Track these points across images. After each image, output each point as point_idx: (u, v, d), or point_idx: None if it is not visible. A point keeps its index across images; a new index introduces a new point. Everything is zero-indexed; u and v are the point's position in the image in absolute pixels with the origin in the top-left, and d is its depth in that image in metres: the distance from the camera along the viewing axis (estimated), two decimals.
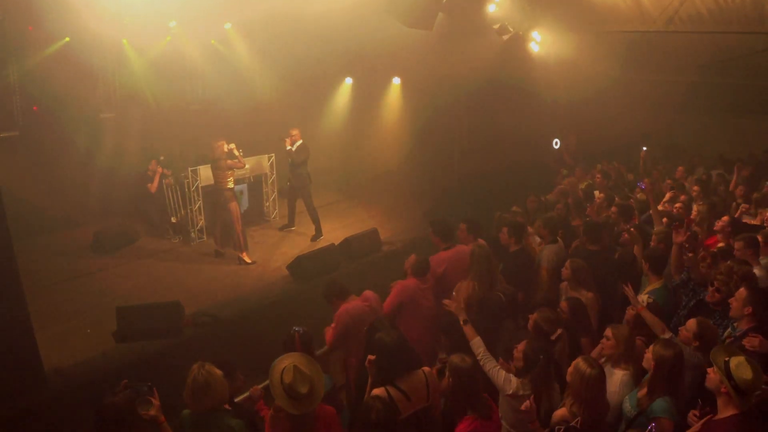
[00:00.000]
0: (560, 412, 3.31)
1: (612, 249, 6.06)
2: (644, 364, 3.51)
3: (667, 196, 7.12)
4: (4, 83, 8.75)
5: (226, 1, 9.07)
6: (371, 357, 3.73)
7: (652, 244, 5.48)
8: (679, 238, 4.92)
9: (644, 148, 10.54)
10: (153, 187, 9.37)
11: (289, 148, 9.21)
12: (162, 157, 9.55)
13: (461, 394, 3.41)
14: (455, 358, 3.47)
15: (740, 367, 2.90)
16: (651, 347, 3.46)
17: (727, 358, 2.96)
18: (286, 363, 3.23)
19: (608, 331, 3.85)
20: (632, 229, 5.89)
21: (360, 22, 8.99)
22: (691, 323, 3.73)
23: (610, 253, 5.89)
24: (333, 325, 4.76)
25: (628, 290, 4.33)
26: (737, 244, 5.05)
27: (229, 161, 8.09)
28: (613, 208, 6.74)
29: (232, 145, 8.16)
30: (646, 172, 9.90)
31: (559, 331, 4.03)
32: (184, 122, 10.74)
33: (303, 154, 9.21)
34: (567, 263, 5.05)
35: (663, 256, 5.03)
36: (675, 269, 4.99)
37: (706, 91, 10.73)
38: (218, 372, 3.25)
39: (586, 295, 4.80)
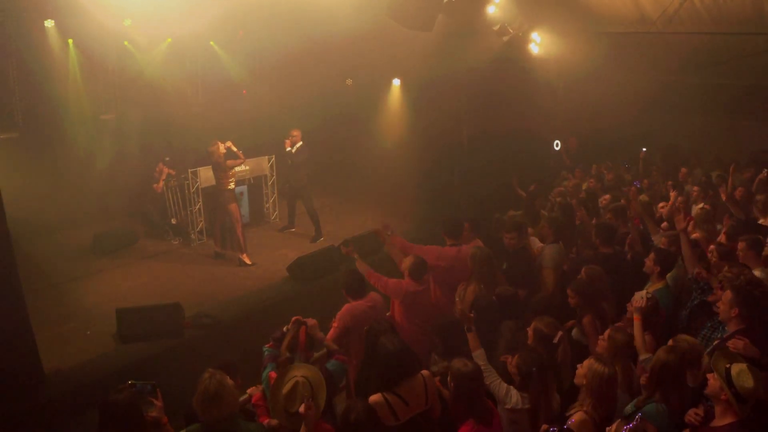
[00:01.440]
0: (578, 416, 3.28)
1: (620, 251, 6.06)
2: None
3: (672, 197, 7.08)
4: (4, 83, 8.75)
5: (226, 2, 9.08)
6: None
7: (662, 246, 5.44)
8: (681, 224, 4.91)
9: (643, 149, 10.54)
10: (159, 187, 9.37)
11: (288, 149, 9.21)
12: (167, 158, 9.55)
13: (463, 398, 3.40)
14: (457, 363, 3.45)
15: (741, 374, 2.87)
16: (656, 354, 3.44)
17: (728, 365, 2.92)
18: (296, 374, 3.19)
19: (607, 333, 3.86)
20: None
21: (360, 24, 8.99)
22: (670, 342, 3.68)
23: (624, 255, 5.89)
24: (334, 324, 4.75)
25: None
26: (740, 245, 4.98)
27: (229, 161, 8.09)
28: (608, 215, 6.74)
29: (228, 143, 8.15)
30: (645, 173, 9.90)
31: (560, 333, 4.02)
32: (183, 123, 10.75)
33: (303, 155, 9.21)
34: (583, 270, 4.96)
35: (674, 259, 5.00)
36: (689, 262, 4.94)
37: (706, 92, 10.72)
38: (230, 381, 3.15)
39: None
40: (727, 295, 3.86)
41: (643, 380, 3.51)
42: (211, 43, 10.78)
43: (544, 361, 3.69)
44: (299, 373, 3.19)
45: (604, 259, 5.42)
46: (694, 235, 5.80)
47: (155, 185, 9.37)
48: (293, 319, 3.98)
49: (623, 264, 5.62)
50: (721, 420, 2.95)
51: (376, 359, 3.70)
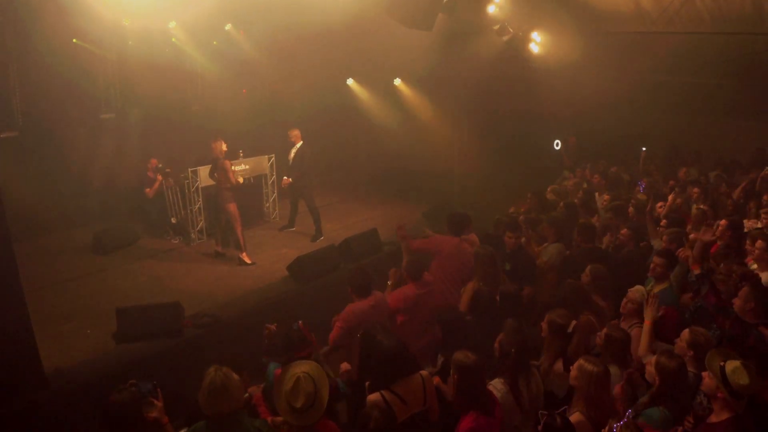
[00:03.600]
0: (575, 417, 3.28)
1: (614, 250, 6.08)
2: (647, 376, 3.48)
3: (670, 199, 7.11)
4: (4, 83, 8.75)
5: (227, 2, 9.08)
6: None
7: (663, 245, 5.44)
8: (707, 236, 4.75)
9: (643, 149, 10.54)
10: (151, 192, 9.40)
11: (286, 179, 9.36)
12: (160, 165, 9.54)
13: (466, 390, 3.40)
14: (459, 355, 3.46)
15: (736, 372, 2.89)
16: (654, 359, 3.42)
17: (722, 363, 2.95)
18: (297, 370, 3.18)
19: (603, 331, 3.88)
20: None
21: (361, 23, 8.99)
22: (685, 333, 3.68)
23: (613, 253, 5.91)
24: (338, 324, 4.76)
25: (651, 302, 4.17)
26: (758, 243, 4.92)
27: (227, 162, 8.07)
28: (608, 215, 6.76)
29: (239, 165, 8.14)
30: (645, 173, 9.89)
31: (575, 322, 4.01)
32: (184, 123, 10.76)
33: (304, 156, 9.21)
34: (588, 269, 4.98)
35: (675, 258, 5.01)
36: (695, 261, 4.94)
37: (706, 91, 10.72)
38: (235, 376, 3.14)
39: (600, 303, 4.78)
40: (744, 290, 3.96)
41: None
42: (214, 42, 10.79)
43: (525, 344, 3.74)
44: (300, 369, 3.19)
45: (587, 254, 5.46)
46: (691, 236, 5.81)
47: (147, 189, 9.41)
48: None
49: (607, 258, 5.66)
50: (719, 416, 2.98)
51: (372, 358, 3.69)
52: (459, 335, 4.37)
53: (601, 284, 4.87)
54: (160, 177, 9.35)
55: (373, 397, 3.51)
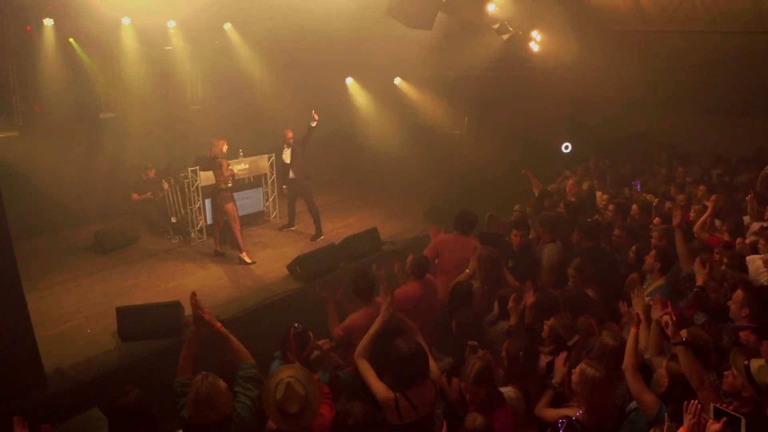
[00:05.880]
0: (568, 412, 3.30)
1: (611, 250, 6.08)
2: (658, 378, 3.47)
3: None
4: (4, 83, 8.75)
5: (227, 2, 9.09)
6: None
7: (653, 242, 5.42)
8: (676, 220, 4.94)
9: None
10: (138, 198, 9.57)
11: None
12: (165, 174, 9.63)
13: (492, 390, 3.44)
14: (471, 373, 3.43)
15: (762, 371, 2.86)
16: (664, 363, 3.41)
17: (746, 362, 2.91)
18: (283, 376, 3.11)
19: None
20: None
21: (360, 22, 8.99)
22: (683, 333, 3.60)
23: (612, 252, 5.91)
24: (340, 328, 4.74)
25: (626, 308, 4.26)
26: None
27: (225, 161, 8.08)
28: (611, 207, 6.74)
29: (239, 164, 8.12)
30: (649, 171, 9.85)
31: (577, 337, 3.99)
32: (184, 122, 10.75)
33: (297, 153, 9.22)
34: (570, 269, 4.98)
35: (672, 255, 5.01)
36: (683, 259, 4.93)
37: (706, 91, 10.72)
38: (222, 384, 3.08)
39: (591, 295, 4.78)
40: (738, 294, 3.91)
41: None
42: (216, 42, 10.79)
43: (533, 347, 3.76)
44: (285, 374, 3.13)
45: (587, 253, 5.46)
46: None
47: (134, 195, 9.46)
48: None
49: (608, 257, 5.67)
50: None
51: (389, 360, 3.62)
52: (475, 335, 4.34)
53: (589, 277, 4.88)
54: (167, 185, 9.38)
55: (387, 394, 3.50)
